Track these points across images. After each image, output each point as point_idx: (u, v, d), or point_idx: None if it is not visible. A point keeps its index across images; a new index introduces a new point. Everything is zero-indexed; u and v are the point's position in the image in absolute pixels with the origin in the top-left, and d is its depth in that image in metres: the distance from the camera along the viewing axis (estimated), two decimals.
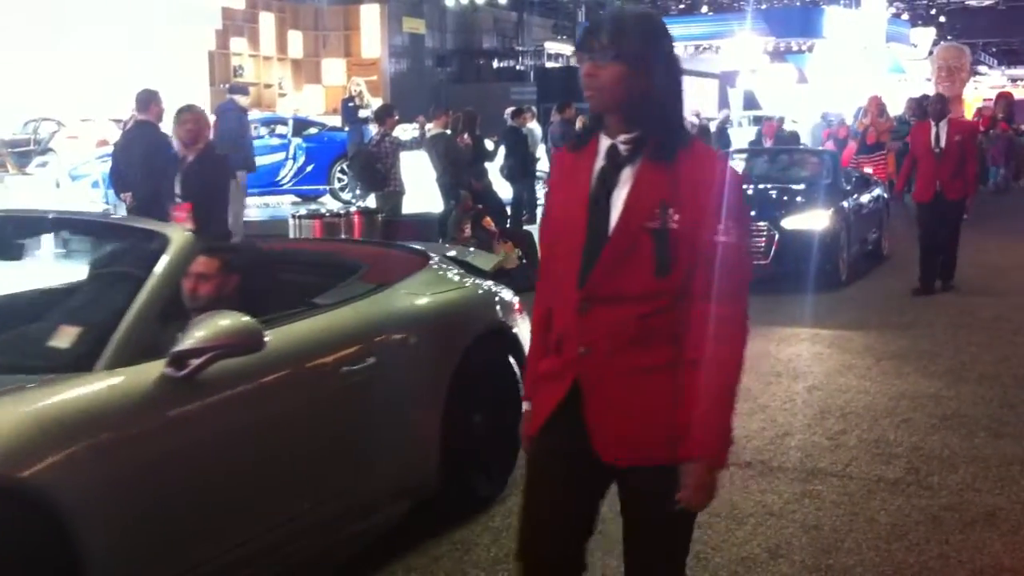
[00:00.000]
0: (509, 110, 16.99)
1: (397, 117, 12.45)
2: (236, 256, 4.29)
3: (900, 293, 10.44)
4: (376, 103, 18.28)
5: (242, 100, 13.70)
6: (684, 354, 2.51)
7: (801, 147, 17.63)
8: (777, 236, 10.34)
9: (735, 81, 37.83)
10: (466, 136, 13.00)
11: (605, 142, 2.59)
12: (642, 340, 2.52)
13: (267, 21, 32.48)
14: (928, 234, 10.44)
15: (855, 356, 7.90)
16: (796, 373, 7.34)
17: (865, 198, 12.40)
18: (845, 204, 11.37)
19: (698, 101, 36.52)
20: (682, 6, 46.64)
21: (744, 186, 11.99)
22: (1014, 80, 53.62)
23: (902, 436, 5.85)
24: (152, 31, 20.63)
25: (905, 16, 45.31)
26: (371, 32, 34.66)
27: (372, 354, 4.12)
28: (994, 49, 52.03)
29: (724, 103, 35.97)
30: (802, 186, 11.83)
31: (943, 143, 10.18)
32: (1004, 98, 26.81)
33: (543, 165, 16.52)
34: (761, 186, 12.00)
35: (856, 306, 9.96)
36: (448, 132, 13.09)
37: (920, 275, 10.46)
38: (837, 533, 4.50)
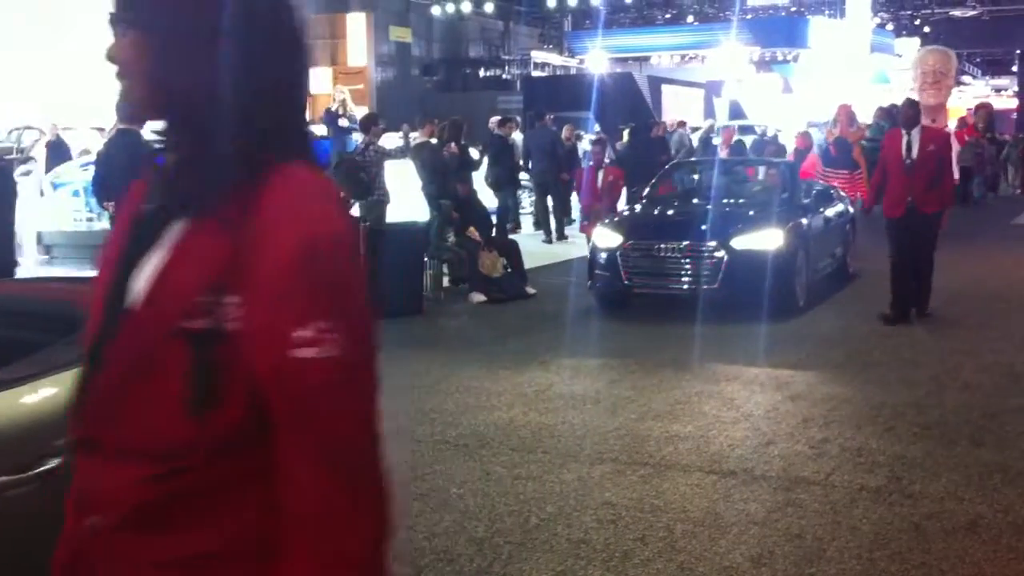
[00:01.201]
0: (493, 119, 17.02)
1: (382, 126, 12.45)
2: None
3: (866, 320, 9.50)
4: (360, 112, 18.22)
5: None
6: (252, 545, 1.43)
7: (756, 158, 16.20)
8: (726, 257, 9.43)
9: (721, 91, 37.95)
10: (452, 145, 12.99)
11: None
12: (161, 515, 1.42)
13: None
14: (900, 253, 9.48)
15: (826, 378, 7.92)
16: (779, 383, 7.36)
17: (828, 213, 11.42)
18: (804, 221, 10.43)
19: (684, 110, 36.68)
20: (668, 16, 46.78)
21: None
22: (998, 90, 53.96)
23: (884, 445, 5.87)
24: None
25: (890, 27, 45.58)
26: (357, 41, 34.66)
27: None
28: (978, 59, 52.34)
29: (710, 113, 36.06)
30: (756, 201, 11.02)
31: (915, 153, 9.32)
32: (984, 108, 26.97)
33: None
34: (708, 201, 11.06)
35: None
36: (433, 141, 13.08)
37: (892, 300, 9.49)
38: (820, 542, 4.50)
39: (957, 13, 42.87)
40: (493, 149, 15.73)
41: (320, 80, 33.82)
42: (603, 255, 9.94)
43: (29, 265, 12.93)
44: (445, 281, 11.50)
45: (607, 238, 10.03)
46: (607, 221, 10.63)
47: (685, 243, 9.61)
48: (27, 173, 19.00)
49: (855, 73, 37.17)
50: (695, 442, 5.93)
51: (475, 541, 4.53)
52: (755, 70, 40.79)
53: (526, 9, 43.82)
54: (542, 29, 47.87)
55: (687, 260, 9.58)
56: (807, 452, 5.74)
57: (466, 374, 7.70)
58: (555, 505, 4.94)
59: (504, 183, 15.58)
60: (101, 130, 17.96)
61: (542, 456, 5.72)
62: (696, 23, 45.05)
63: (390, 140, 21.26)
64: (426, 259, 10.87)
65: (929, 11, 44.01)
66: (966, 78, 51.34)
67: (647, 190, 11.71)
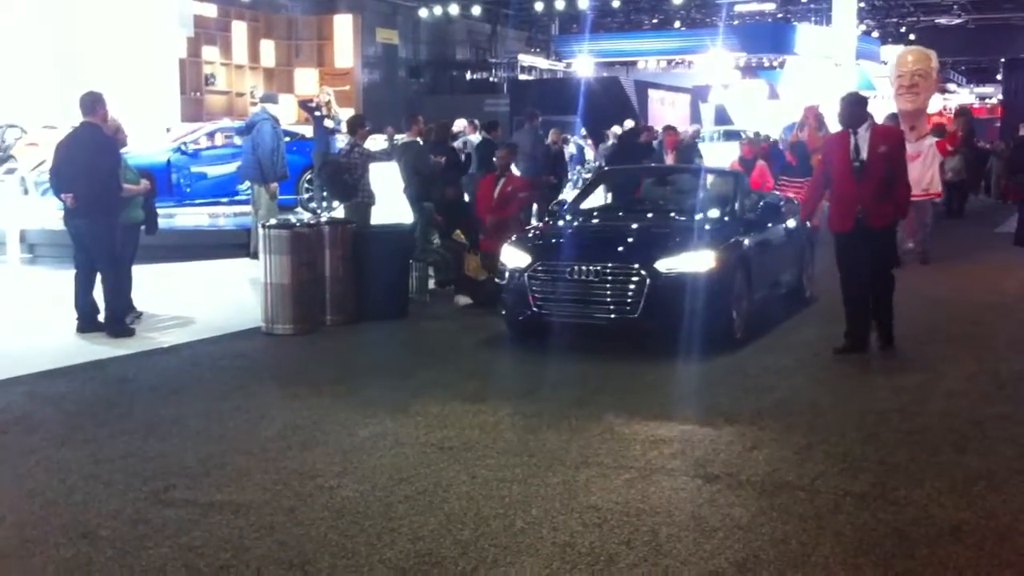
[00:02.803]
0: (460, 124, 16.93)
1: (368, 128, 12.41)
2: None
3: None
4: (346, 114, 18.19)
5: (273, 109, 13.61)
6: None
7: (695, 166, 14.11)
8: (648, 282, 8.14)
9: (707, 96, 38.02)
10: (442, 158, 12.89)
11: None
12: None
13: (240, 30, 32.34)
14: (852, 274, 8.32)
15: (816, 378, 7.92)
16: (764, 388, 7.36)
17: (777, 229, 10.09)
18: (745, 239, 9.09)
19: (670, 115, 36.74)
20: (655, 21, 46.85)
21: (606, 213, 10.18)
22: (982, 98, 54.25)
23: (869, 450, 5.88)
24: (122, 38, 20.47)
25: (875, 34, 45.70)
26: (344, 42, 34.61)
27: None
28: (963, 68, 52.58)
29: (696, 118, 36.13)
30: (692, 216, 9.42)
31: (864, 155, 8.08)
32: (963, 114, 26.64)
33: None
34: (634, 216, 9.89)
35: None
36: (419, 141, 13.03)
37: (847, 328, 8.38)
38: (805, 547, 4.50)
39: (943, 21, 43.07)
40: (480, 152, 15.72)
41: (307, 81, 33.80)
42: (509, 277, 8.74)
43: (12, 263, 12.86)
44: (431, 284, 11.49)
45: (514, 257, 8.79)
46: (515, 238, 9.28)
47: (600, 265, 8.31)
48: (10, 172, 18.95)
49: (840, 79, 37.29)
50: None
51: (460, 544, 4.51)
52: (741, 76, 40.90)
53: (513, 12, 43.79)
54: (529, 32, 47.87)
55: (603, 285, 8.30)
56: (791, 457, 5.74)
57: (449, 379, 7.69)
58: (540, 508, 4.93)
59: None
60: (52, 128, 17.86)
61: (527, 459, 5.70)
62: (683, 28, 45.13)
63: (375, 142, 21.25)
64: (411, 261, 10.84)
65: (915, 19, 44.18)
66: (951, 86, 51.63)
67: (569, 201, 10.48)
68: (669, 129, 17.92)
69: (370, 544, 4.51)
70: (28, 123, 20.32)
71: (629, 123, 18.63)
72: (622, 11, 44.95)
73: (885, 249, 8.38)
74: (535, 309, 8.55)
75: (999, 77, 49.38)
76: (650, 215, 9.91)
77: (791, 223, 10.44)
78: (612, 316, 8.31)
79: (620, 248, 8.70)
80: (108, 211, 8.88)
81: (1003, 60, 45.45)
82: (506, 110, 35.74)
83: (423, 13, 39.88)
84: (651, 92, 41.48)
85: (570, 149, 20.73)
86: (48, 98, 19.72)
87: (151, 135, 17.81)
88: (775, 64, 42.13)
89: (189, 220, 16.46)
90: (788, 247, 10.34)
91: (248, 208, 16.57)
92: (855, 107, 8.25)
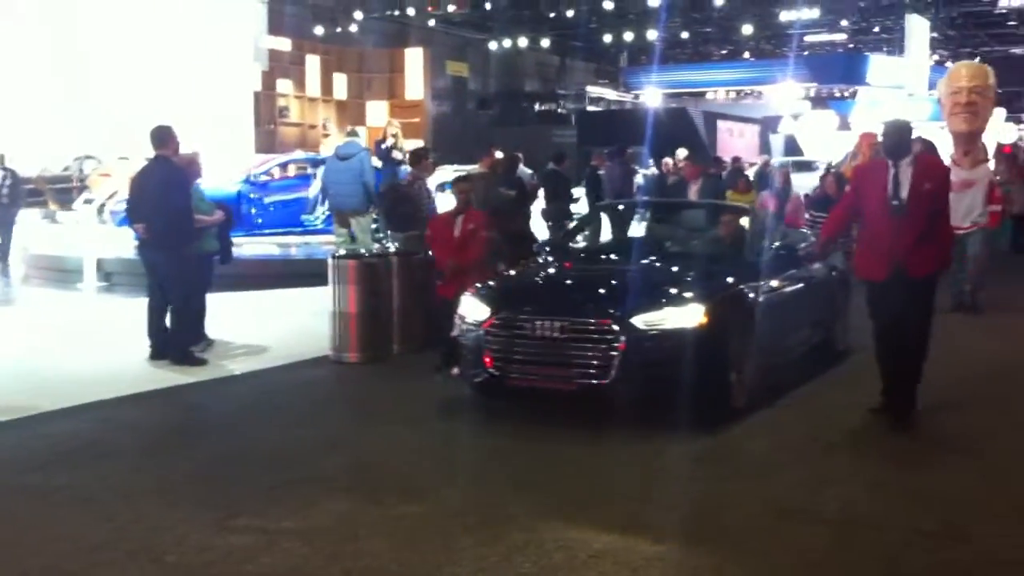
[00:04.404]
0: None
1: (431, 160, 12.49)
2: None
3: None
4: (411, 146, 18.46)
5: (361, 142, 13.88)
6: None
7: (705, 203, 11.74)
8: (622, 341, 6.76)
9: (777, 127, 37.76)
10: (512, 191, 12.94)
11: None
12: None
13: (313, 63, 32.91)
14: (887, 329, 7.12)
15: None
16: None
17: (800, 274, 8.65)
18: (752, 287, 7.72)
19: (740, 146, 36.53)
20: (724, 52, 46.72)
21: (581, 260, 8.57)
22: None
23: (938, 486, 5.74)
24: (199, 71, 20.94)
25: (949, 64, 45.11)
26: (415, 75, 35.03)
27: None
28: None
29: (765, 148, 35.87)
30: (690, 259, 8.27)
31: (905, 192, 6.89)
32: None
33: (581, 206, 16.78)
34: (622, 259, 8.63)
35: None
36: (491, 173, 13.09)
37: (883, 387, 7.20)
38: None
39: (1017, 51, 42.39)
40: (548, 184, 15.79)
41: (378, 113, 34.22)
42: (465, 332, 7.40)
43: (89, 292, 13.13)
44: None
45: (471, 309, 7.44)
46: (477, 286, 7.81)
47: (566, 320, 6.95)
48: (88, 202, 19.43)
49: (913, 110, 36.85)
50: None
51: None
52: (811, 106, 40.57)
53: (582, 44, 43.98)
54: (598, 64, 48.04)
55: (569, 344, 6.91)
56: (862, 493, 5.63)
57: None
58: (603, 543, 4.88)
59: (559, 217, 15.65)
60: (125, 159, 18.28)
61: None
62: (752, 59, 44.96)
63: (444, 173, 21.46)
64: None
65: (988, 48, 43.57)
66: None
67: (549, 243, 9.37)
68: (686, 159, 15.91)
69: (429, 573, 4.51)
70: (106, 155, 20.84)
71: (683, 152, 18.06)
72: (691, 42, 44.99)
73: (924, 302, 7.05)
74: (492, 371, 7.14)
75: None
76: (642, 259, 8.48)
77: (819, 266, 9.05)
78: (579, 381, 6.88)
79: (592, 299, 7.36)
80: (179, 243, 9.04)
81: None
82: (574, 141, 35.85)
83: (492, 45, 40.23)
84: (720, 123, 41.31)
85: (637, 179, 20.68)
86: (128, 130, 20.19)
87: (226, 167, 18.16)
88: (846, 94, 41.72)
89: (258, 249, 16.69)
90: (814, 294, 8.89)
91: (323, 238, 16.83)
92: (902, 135, 7.15)
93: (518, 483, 5.79)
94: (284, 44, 31.15)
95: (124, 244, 13.56)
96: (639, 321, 6.83)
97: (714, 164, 18.47)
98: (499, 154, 13.80)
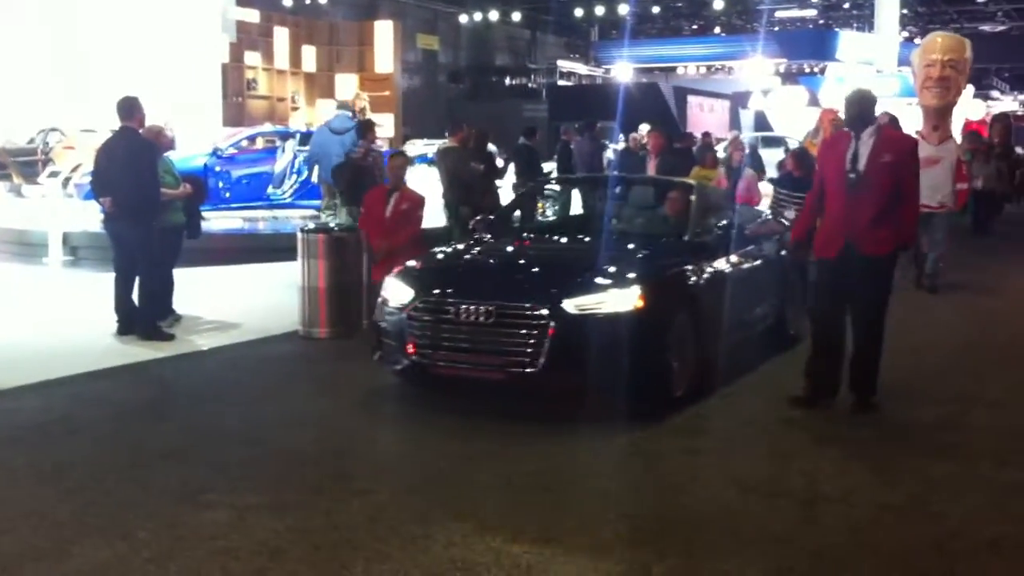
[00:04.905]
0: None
1: (376, 133, 12.61)
2: None
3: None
4: (385, 119, 18.48)
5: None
6: None
7: (649, 178, 10.98)
8: (552, 326, 6.33)
9: (747, 102, 37.86)
10: (481, 165, 12.91)
11: None
12: None
13: (281, 35, 32.63)
14: (826, 310, 6.78)
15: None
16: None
17: (748, 254, 8.22)
18: (694, 268, 7.27)
19: (710, 121, 36.61)
20: (695, 27, 46.71)
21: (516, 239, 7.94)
22: None
23: (904, 461, 5.81)
24: (165, 43, 20.72)
25: (918, 40, 45.31)
26: (384, 48, 34.78)
27: None
28: (1007, 74, 52.00)
29: (736, 124, 35.98)
30: (622, 239, 7.85)
31: (863, 164, 6.51)
32: (1001, 121, 25.60)
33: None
34: (561, 238, 8.36)
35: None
36: (459, 147, 13.05)
37: (806, 369, 6.84)
38: (841, 561, 4.46)
39: (986, 28, 42.65)
40: (519, 158, 15.77)
41: (347, 86, 34.02)
42: (387, 316, 7.00)
43: (55, 266, 13.02)
44: None
45: (395, 292, 7.04)
46: (403, 267, 7.41)
47: (493, 304, 6.50)
48: (54, 175, 19.20)
49: (882, 86, 37.07)
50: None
51: (492, 550, 4.51)
52: (781, 82, 40.69)
53: (553, 18, 43.85)
54: (569, 39, 47.93)
55: (496, 329, 6.47)
56: (828, 469, 5.69)
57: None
58: (575, 517, 4.91)
59: None
60: (91, 131, 18.09)
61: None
62: (723, 34, 45.00)
63: (413, 147, 21.41)
64: None
65: (958, 25, 43.78)
66: (994, 93, 51.07)
67: (488, 220, 8.70)
68: (652, 131, 14.60)
69: (404, 548, 4.52)
70: (69, 127, 20.59)
71: (645, 127, 17.79)
72: (662, 17, 44.95)
73: (878, 285, 6.62)
74: (415, 358, 6.74)
75: None
76: (581, 238, 8.15)
77: (767, 247, 8.65)
78: (507, 369, 6.45)
79: (523, 282, 6.99)
80: (146, 215, 8.95)
81: None
82: (545, 115, 35.81)
83: (463, 19, 40.05)
84: (690, 98, 41.38)
85: (607, 155, 20.67)
86: (90, 102, 19.98)
87: (194, 139, 18.01)
88: (816, 70, 41.86)
89: (227, 224, 16.57)
90: (763, 276, 8.44)
91: (292, 212, 16.76)
92: (864, 105, 6.66)
93: (472, 458, 5.81)
94: (252, 15, 30.87)
95: (90, 218, 13.43)
96: (570, 305, 6.43)
97: (684, 139, 18.44)
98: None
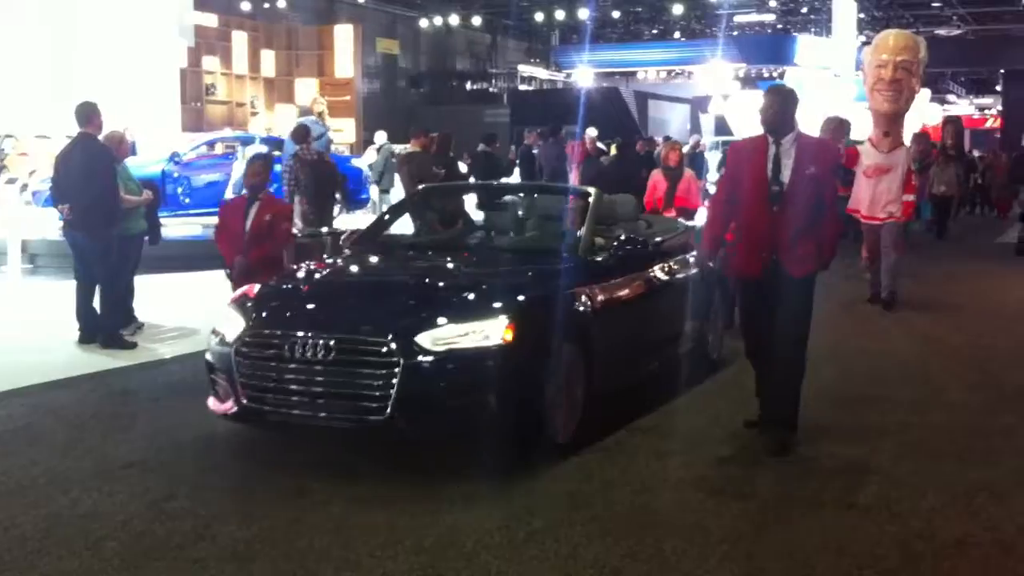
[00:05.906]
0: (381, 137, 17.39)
1: (311, 140, 12.96)
2: None
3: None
4: (346, 123, 18.48)
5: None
6: None
7: (539, 185, 9.42)
8: (403, 364, 5.34)
9: (707, 107, 38.07)
10: (442, 170, 12.92)
11: None
12: None
13: (240, 40, 32.39)
14: (759, 331, 6.07)
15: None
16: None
17: (657, 271, 7.25)
18: (583, 290, 6.20)
19: (670, 126, 36.81)
20: (655, 32, 46.94)
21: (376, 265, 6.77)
22: (982, 109, 54.32)
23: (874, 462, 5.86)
24: (122, 47, 20.49)
25: None
26: (344, 52, 34.61)
27: None
28: (962, 79, 52.65)
29: (696, 128, 36.18)
30: (496, 258, 6.96)
31: (785, 176, 5.83)
32: (952, 124, 25.91)
33: None
34: (430, 257, 7.17)
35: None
36: (424, 152, 13.04)
37: (756, 393, 6.33)
38: (809, 559, 4.50)
39: (942, 32, 43.15)
40: (479, 164, 15.78)
41: (307, 91, 33.84)
42: (217, 351, 5.96)
43: (14, 275, 12.85)
44: None
45: (228, 322, 6.00)
46: (244, 292, 6.40)
47: (332, 338, 5.49)
48: (11, 181, 18.95)
49: (840, 90, 37.41)
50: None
51: (464, 555, 4.50)
52: (740, 86, 40.96)
53: (513, 23, 43.89)
54: (529, 43, 47.98)
55: (337, 368, 5.48)
56: (795, 470, 5.73)
57: None
58: (544, 519, 4.91)
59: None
60: (45, 138, 17.87)
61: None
62: (683, 39, 45.25)
63: (369, 152, 21.39)
64: None
65: (914, 30, 44.25)
66: (950, 97, 51.70)
67: (358, 235, 7.60)
68: (583, 139, 13.37)
69: (372, 556, 4.50)
70: (23, 133, 20.31)
71: (592, 131, 17.89)
72: (622, 22, 45.09)
73: (799, 306, 5.92)
74: (244, 401, 5.72)
75: (999, 88, 49.48)
76: (457, 255, 7.09)
77: (680, 259, 7.70)
78: (351, 416, 5.49)
79: (372, 311, 5.80)
80: (105, 223, 8.86)
81: (1003, 71, 45.54)
82: (506, 120, 35.83)
83: (423, 23, 39.99)
84: (651, 102, 41.56)
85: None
86: (45, 108, 19.71)
87: (152, 145, 17.86)
88: (775, 75, 42.16)
89: (185, 230, 16.42)
90: (678, 295, 7.48)
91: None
92: (786, 105, 5.92)
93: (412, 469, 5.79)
94: (210, 20, 30.61)
95: (50, 225, 13.27)
96: (425, 339, 5.41)
97: (648, 143, 18.61)
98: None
